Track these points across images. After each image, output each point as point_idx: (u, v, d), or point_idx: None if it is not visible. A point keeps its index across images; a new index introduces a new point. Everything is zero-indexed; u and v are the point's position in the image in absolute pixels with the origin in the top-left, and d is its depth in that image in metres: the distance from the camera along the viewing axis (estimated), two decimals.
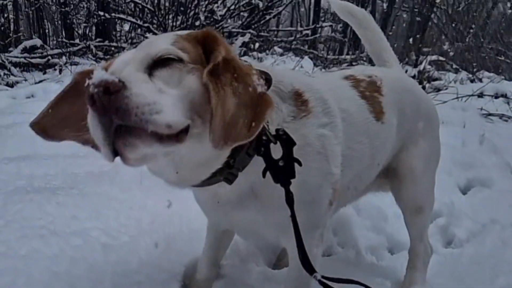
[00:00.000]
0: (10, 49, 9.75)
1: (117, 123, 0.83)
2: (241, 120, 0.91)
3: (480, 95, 7.20)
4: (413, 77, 7.79)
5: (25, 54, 8.75)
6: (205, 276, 1.61)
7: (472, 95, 6.93)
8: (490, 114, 6.10)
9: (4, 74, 7.46)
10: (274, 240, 1.40)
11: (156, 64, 0.95)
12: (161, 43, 0.99)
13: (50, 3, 12.41)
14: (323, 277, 1.06)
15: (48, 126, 1.13)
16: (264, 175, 1.06)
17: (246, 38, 8.66)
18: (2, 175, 2.16)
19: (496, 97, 7.25)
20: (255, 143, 1.05)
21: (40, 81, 7.08)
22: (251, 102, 0.93)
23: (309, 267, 1.07)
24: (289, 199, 1.07)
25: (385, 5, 15.16)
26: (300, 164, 1.05)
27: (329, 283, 1.05)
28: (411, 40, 10.70)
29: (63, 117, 1.12)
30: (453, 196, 3.15)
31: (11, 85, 7.09)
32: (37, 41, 9.12)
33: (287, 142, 1.05)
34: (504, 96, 7.25)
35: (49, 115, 1.12)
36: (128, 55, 1.02)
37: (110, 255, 1.53)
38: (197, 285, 1.61)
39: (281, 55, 8.66)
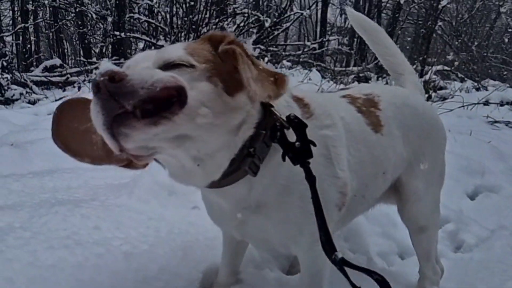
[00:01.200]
0: (32, 68, 9.99)
1: (120, 106, 0.82)
2: (266, 80, 0.99)
3: (486, 103, 7.14)
4: None
5: (46, 73, 8.98)
6: (224, 282, 1.63)
7: (478, 103, 6.88)
8: (496, 122, 6.04)
9: (27, 92, 7.65)
10: (285, 251, 1.40)
11: (167, 67, 0.97)
12: (175, 49, 1.02)
13: (69, 25, 12.72)
14: (343, 260, 1.05)
15: (69, 140, 1.15)
16: (283, 159, 1.06)
17: (256, 53, 8.75)
18: (27, 189, 2.22)
19: (502, 105, 7.19)
20: (269, 133, 1.07)
21: (60, 98, 7.23)
22: (269, 72, 1.03)
23: (330, 248, 1.06)
24: (311, 178, 1.06)
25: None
26: (314, 145, 1.06)
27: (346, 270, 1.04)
28: (416, 51, 10.68)
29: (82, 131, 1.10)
30: (461, 202, 3.13)
31: (33, 103, 7.27)
32: (57, 61, 9.34)
33: (299, 125, 1.06)
34: (509, 103, 7.17)
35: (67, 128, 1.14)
36: (143, 54, 1.06)
37: (131, 263, 1.55)
38: None
39: (290, 68, 8.70)
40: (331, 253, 1.05)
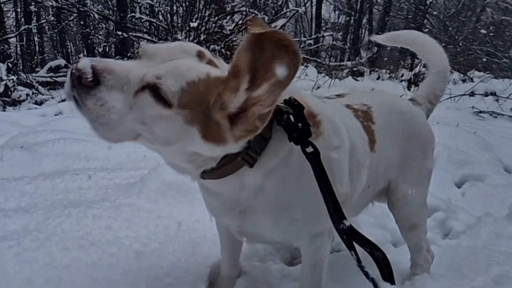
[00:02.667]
0: (37, 69, 9.92)
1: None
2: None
3: (472, 94, 7.17)
4: (409, 80, 7.78)
5: (51, 74, 8.90)
6: (228, 274, 1.63)
7: (464, 94, 6.92)
8: (481, 112, 6.08)
9: (33, 93, 7.59)
10: (286, 242, 1.42)
11: (152, 88, 0.92)
12: (175, 75, 0.93)
13: (72, 25, 12.58)
14: (350, 228, 1.08)
15: None
16: (290, 139, 1.04)
17: None
18: (39, 190, 2.22)
19: (486, 95, 7.22)
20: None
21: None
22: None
23: (339, 216, 1.09)
24: (316, 152, 1.05)
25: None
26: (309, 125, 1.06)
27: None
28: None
29: None
30: (449, 191, 3.16)
31: (39, 103, 7.23)
32: (61, 61, 9.27)
33: (299, 108, 1.06)
34: (494, 94, 7.20)
35: None
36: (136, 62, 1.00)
37: (142, 261, 1.56)
38: (222, 282, 1.63)
39: None
40: (340, 220, 1.08)
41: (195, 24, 8.58)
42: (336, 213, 1.09)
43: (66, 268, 1.43)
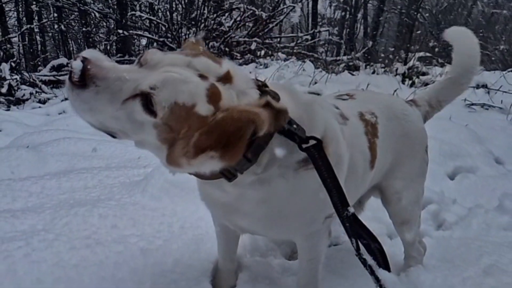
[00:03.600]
0: (40, 68, 9.85)
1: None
2: None
3: None
4: (403, 74, 7.75)
5: (54, 72, 8.84)
6: (225, 268, 1.63)
7: None
8: (472, 104, 6.07)
9: (36, 92, 7.54)
10: (283, 237, 1.43)
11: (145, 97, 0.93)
12: (170, 90, 0.92)
13: (73, 24, 12.46)
14: (353, 215, 1.11)
15: None
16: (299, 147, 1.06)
17: (253, 46, 8.66)
18: (46, 190, 2.22)
19: (478, 88, 7.20)
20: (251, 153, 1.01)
21: None
22: None
23: (344, 203, 1.10)
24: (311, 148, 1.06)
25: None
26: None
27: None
28: (400, 39, 10.58)
29: None
30: (442, 183, 3.17)
31: (43, 102, 7.19)
32: (64, 60, 9.20)
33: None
34: (485, 86, 7.18)
35: None
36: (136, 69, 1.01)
37: (148, 258, 1.57)
38: (222, 277, 1.64)
39: (285, 60, 8.62)
40: (344, 208, 1.10)
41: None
42: (340, 201, 1.10)
43: (74, 267, 1.44)
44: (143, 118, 0.93)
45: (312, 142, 1.05)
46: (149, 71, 0.95)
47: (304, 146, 1.06)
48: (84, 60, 0.91)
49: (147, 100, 0.91)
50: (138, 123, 0.95)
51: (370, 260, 1.18)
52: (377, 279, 1.16)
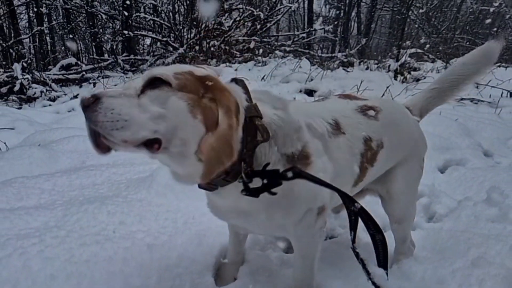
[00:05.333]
0: (50, 67, 9.81)
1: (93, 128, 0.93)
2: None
3: None
4: (396, 70, 7.70)
5: (63, 71, 8.81)
6: (232, 261, 1.66)
7: None
8: (462, 99, 6.05)
9: (46, 90, 7.53)
10: (280, 235, 1.44)
11: (150, 84, 1.00)
12: (162, 69, 1.04)
13: (81, 25, 12.38)
14: (361, 209, 1.14)
15: None
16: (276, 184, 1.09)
17: (252, 45, 8.60)
18: (57, 187, 2.22)
19: None
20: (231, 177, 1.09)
21: (78, 95, 7.15)
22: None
23: (350, 200, 1.14)
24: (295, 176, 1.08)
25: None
26: (280, 184, 1.08)
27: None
28: (393, 36, 10.49)
29: None
30: (433, 176, 3.16)
31: (53, 100, 7.18)
32: (72, 60, 9.15)
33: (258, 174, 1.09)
34: None
35: None
36: (136, 81, 1.06)
37: (154, 253, 1.57)
38: (226, 268, 1.65)
39: (282, 57, 8.57)
40: (352, 204, 1.13)
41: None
42: (348, 199, 1.13)
43: (85, 263, 1.44)
44: (164, 92, 0.98)
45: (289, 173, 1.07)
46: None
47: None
48: (86, 102, 0.93)
49: (156, 81, 0.99)
50: (162, 99, 0.97)
51: (362, 255, 1.19)
52: (367, 273, 1.16)
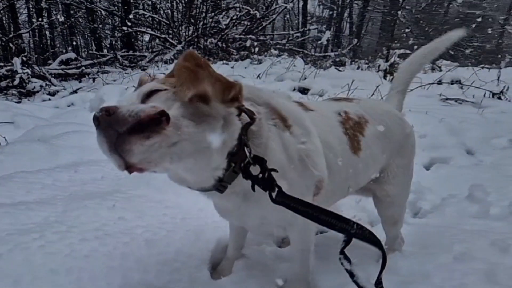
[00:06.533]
0: (49, 62, 9.65)
1: (117, 131, 0.87)
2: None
3: (440, 82, 7.14)
4: (385, 70, 7.71)
5: (62, 66, 8.67)
6: (232, 256, 1.67)
7: (433, 83, 6.90)
8: (447, 99, 6.09)
9: (46, 84, 7.41)
10: (280, 233, 1.45)
11: (147, 96, 1.02)
12: (149, 84, 1.06)
13: (80, 20, 12.16)
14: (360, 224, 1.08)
15: None
16: (253, 189, 1.11)
17: (248, 43, 8.55)
18: (58, 182, 2.18)
19: (452, 83, 7.20)
20: (238, 166, 1.10)
21: (77, 89, 7.05)
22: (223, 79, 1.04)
23: (344, 219, 1.08)
24: (274, 200, 1.09)
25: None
26: (276, 171, 1.10)
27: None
28: (383, 37, 10.50)
29: None
30: (419, 174, 3.17)
31: (52, 94, 7.07)
32: (72, 54, 9.02)
33: (260, 161, 1.10)
34: (459, 82, 7.20)
35: None
36: (128, 95, 1.08)
37: (152, 248, 1.56)
38: (226, 263, 1.66)
39: (277, 56, 8.54)
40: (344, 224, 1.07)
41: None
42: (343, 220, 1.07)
43: (85, 258, 1.42)
44: (163, 95, 0.99)
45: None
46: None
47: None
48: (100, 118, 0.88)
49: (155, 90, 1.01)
50: (168, 102, 0.97)
51: (348, 266, 1.12)
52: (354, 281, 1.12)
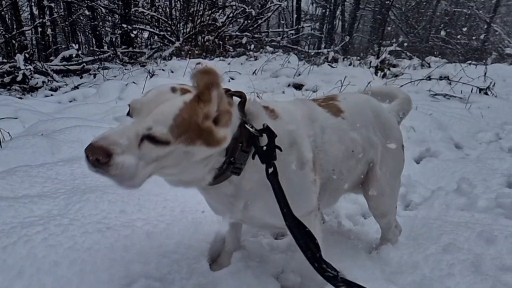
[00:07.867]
0: (51, 58, 9.51)
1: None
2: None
3: (429, 78, 7.14)
4: (376, 66, 7.69)
5: (64, 62, 8.56)
6: (230, 249, 1.66)
7: (422, 79, 6.90)
8: (436, 94, 6.10)
9: (48, 80, 7.31)
10: (280, 225, 1.43)
11: (148, 137, 0.96)
12: (160, 120, 0.96)
13: (81, 18, 11.98)
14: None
15: None
16: (253, 157, 1.13)
17: (244, 40, 8.48)
18: (60, 176, 2.15)
19: (441, 79, 7.20)
20: (246, 143, 1.12)
21: (79, 85, 6.96)
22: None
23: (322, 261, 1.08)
24: (270, 175, 1.10)
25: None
26: (280, 149, 1.11)
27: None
28: (374, 34, 10.46)
29: None
30: (409, 167, 3.17)
31: (54, 90, 6.98)
32: (73, 51, 8.87)
33: (269, 134, 1.11)
34: (447, 78, 7.20)
35: None
36: (129, 121, 1.00)
37: (153, 241, 1.55)
38: (224, 256, 1.66)
39: (272, 53, 8.48)
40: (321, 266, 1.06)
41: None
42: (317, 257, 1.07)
43: (88, 250, 1.41)
44: (161, 151, 0.97)
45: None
46: (140, 115, 0.99)
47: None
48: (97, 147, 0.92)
49: (152, 139, 0.96)
50: (162, 155, 0.98)
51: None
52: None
